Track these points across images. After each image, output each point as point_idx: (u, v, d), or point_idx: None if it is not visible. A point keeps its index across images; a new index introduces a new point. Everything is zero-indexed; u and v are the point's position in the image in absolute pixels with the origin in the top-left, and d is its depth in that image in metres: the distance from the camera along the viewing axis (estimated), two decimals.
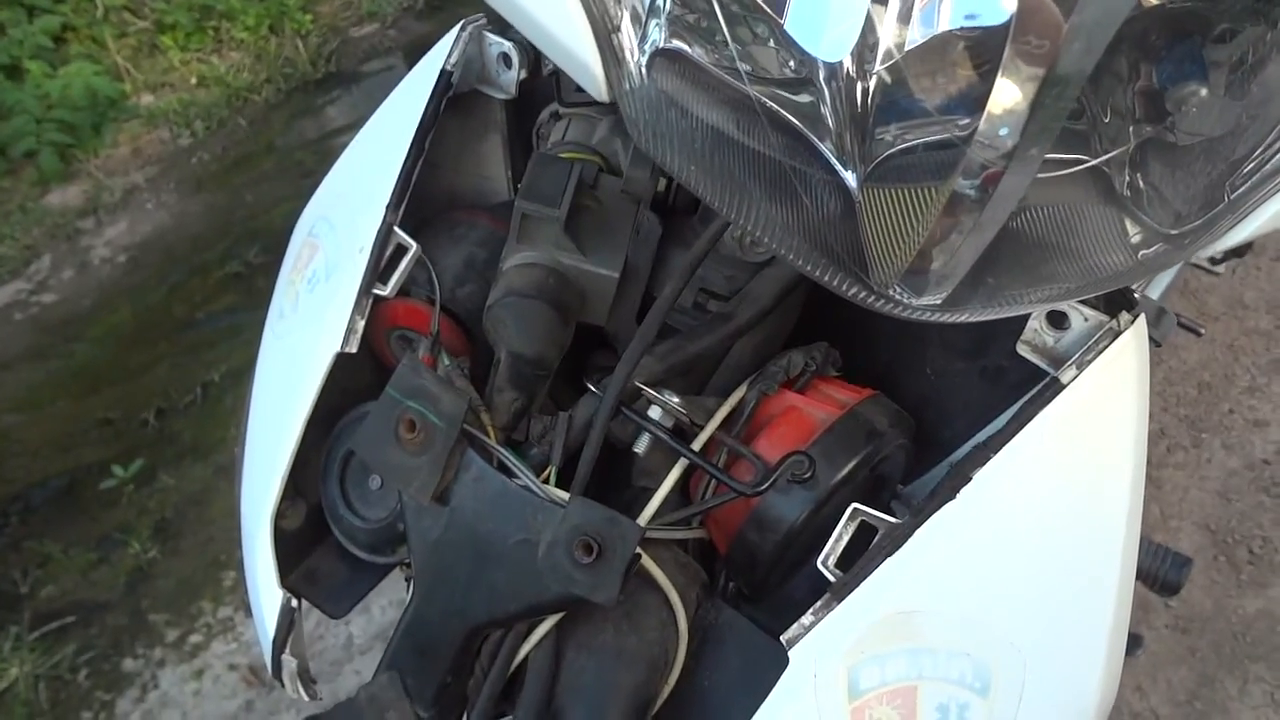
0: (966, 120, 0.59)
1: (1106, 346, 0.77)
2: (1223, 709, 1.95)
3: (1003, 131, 0.56)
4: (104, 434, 2.68)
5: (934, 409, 0.94)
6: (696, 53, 0.67)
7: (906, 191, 0.61)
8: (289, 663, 0.93)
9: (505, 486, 0.80)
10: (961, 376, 0.92)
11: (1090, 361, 0.77)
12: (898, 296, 0.62)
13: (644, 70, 0.66)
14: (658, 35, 0.68)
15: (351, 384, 1.00)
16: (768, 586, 0.88)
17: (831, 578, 0.76)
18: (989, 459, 0.76)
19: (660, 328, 0.83)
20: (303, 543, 1.02)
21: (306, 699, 0.95)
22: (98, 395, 2.77)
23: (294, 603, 0.94)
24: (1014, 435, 0.76)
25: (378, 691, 0.83)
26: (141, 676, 2.16)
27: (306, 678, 0.94)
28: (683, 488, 0.89)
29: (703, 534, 0.89)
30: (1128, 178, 0.65)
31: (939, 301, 0.63)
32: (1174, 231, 0.64)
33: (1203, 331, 1.80)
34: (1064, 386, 0.76)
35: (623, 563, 0.76)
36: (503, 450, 0.83)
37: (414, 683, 0.83)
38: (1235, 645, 2.01)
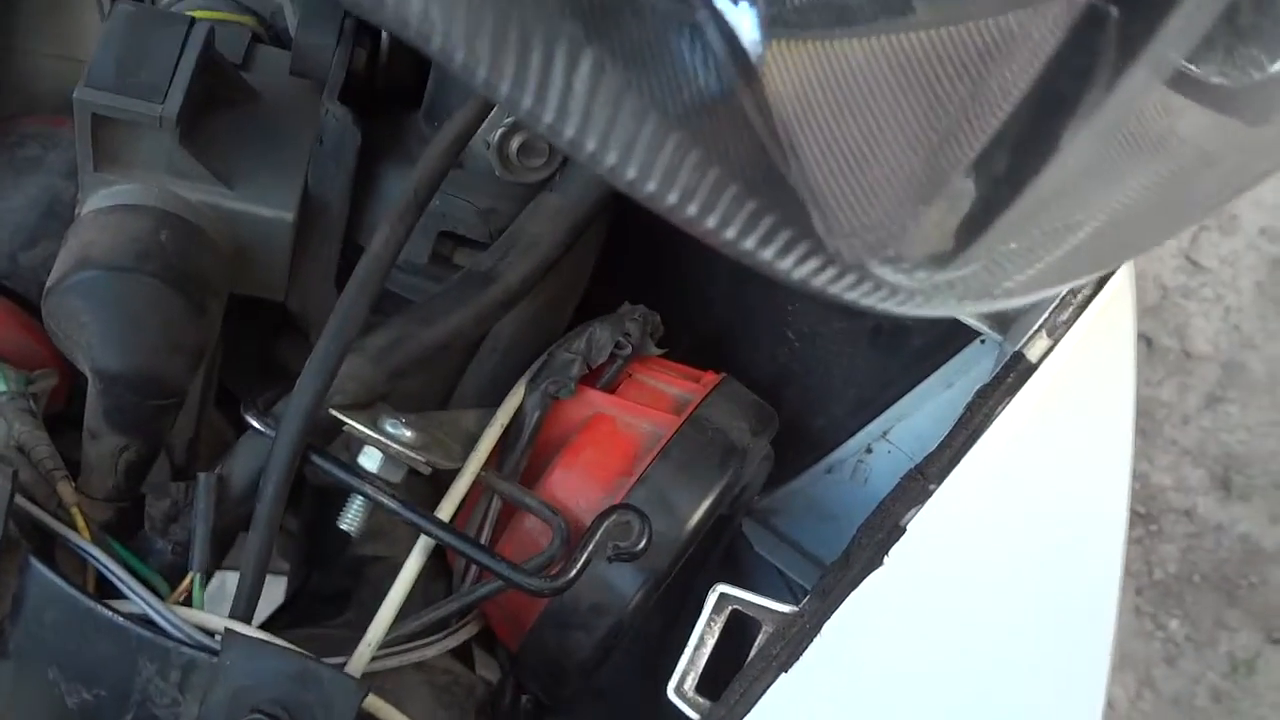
0: None
1: (1089, 298, 0.49)
2: None
3: None
4: None
5: (800, 387, 0.64)
6: None
7: (888, 45, 0.29)
8: None
9: (104, 621, 0.44)
10: (841, 340, 0.62)
11: (1068, 324, 0.49)
12: (886, 276, 0.29)
13: None
14: None
15: None
16: (583, 692, 0.56)
17: (693, 713, 0.46)
18: (928, 494, 0.47)
19: (377, 301, 0.48)
20: None
21: None
22: None
23: None
24: (964, 452, 0.47)
25: None
26: None
27: None
28: (438, 549, 0.56)
29: (474, 628, 0.56)
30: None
31: (976, 271, 0.30)
32: None
33: None
34: (1034, 367, 0.48)
35: None
36: (96, 551, 0.46)
37: None
38: None
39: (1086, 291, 0.49)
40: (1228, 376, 2.03)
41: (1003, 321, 0.53)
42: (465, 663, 0.58)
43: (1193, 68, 0.30)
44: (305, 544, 0.68)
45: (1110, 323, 0.50)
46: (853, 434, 0.62)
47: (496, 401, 0.56)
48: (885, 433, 0.61)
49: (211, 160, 0.51)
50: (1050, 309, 0.49)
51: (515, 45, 0.25)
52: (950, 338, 0.57)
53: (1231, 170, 0.33)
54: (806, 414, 0.64)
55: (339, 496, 0.57)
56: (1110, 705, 0.50)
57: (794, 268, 0.28)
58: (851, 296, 0.29)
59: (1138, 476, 2.02)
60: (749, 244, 0.28)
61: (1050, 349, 0.48)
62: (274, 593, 0.66)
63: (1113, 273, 0.50)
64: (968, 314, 0.33)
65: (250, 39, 0.59)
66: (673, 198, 0.27)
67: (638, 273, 0.66)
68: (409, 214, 0.48)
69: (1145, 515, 1.95)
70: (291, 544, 0.71)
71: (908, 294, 0.29)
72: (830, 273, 0.28)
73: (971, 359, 0.56)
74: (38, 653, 0.45)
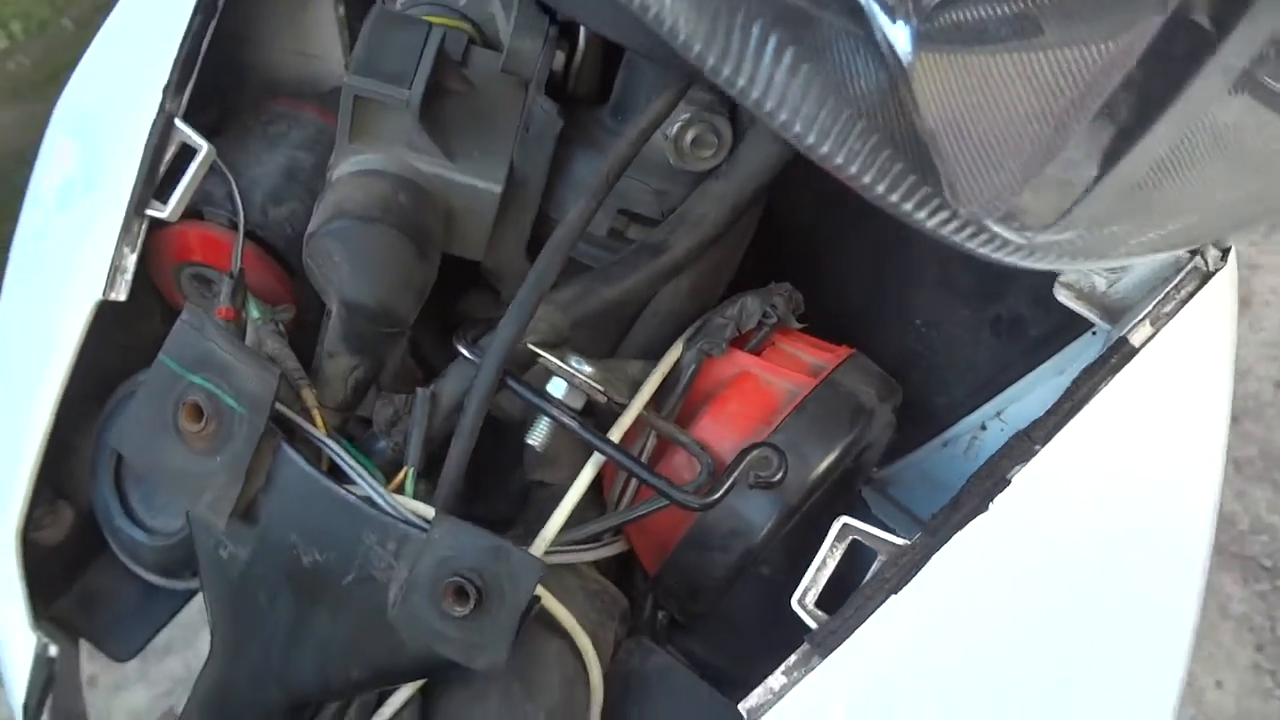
0: None
1: (1192, 294, 0.55)
2: None
3: None
4: None
5: (924, 369, 0.71)
6: None
7: (1009, 61, 0.37)
8: None
9: (337, 499, 0.55)
10: (964, 328, 0.69)
11: (1169, 315, 0.55)
12: (1000, 232, 0.37)
13: None
14: None
15: (132, 340, 0.73)
16: (713, 610, 0.65)
17: (812, 623, 0.54)
18: (1033, 453, 0.53)
19: (564, 264, 0.58)
20: (75, 557, 0.75)
21: None
22: None
23: (52, 650, 0.68)
24: (1067, 420, 0.54)
25: None
26: None
27: None
28: (595, 483, 0.65)
29: (621, 546, 0.65)
30: None
31: (1071, 237, 0.38)
32: None
33: None
34: (1135, 351, 0.54)
35: (514, 613, 0.52)
36: (334, 444, 0.57)
37: None
38: None
39: (1190, 288, 0.55)
40: None
41: (1113, 313, 0.59)
42: (615, 582, 0.67)
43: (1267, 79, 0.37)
44: (469, 479, 0.78)
45: (1211, 318, 0.56)
46: (970, 413, 0.69)
47: (657, 357, 0.65)
48: (999, 413, 0.67)
49: (439, 138, 0.62)
50: (1155, 301, 0.55)
51: (736, 43, 0.34)
52: (1065, 328, 0.63)
53: None
54: (929, 393, 0.71)
55: (504, 436, 0.67)
56: None
57: (928, 219, 0.36)
58: (972, 245, 0.37)
59: (1264, 529, 1.99)
60: (894, 198, 0.37)
61: (1152, 336, 0.54)
62: None
63: (1215, 272, 0.56)
64: (1064, 268, 0.40)
65: (468, 42, 0.70)
66: (839, 158, 0.36)
67: (787, 260, 0.74)
68: (601, 191, 0.57)
69: (1271, 569, 1.91)
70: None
71: (1015, 247, 0.37)
72: (956, 224, 0.36)
73: (1083, 348, 0.62)
74: (283, 520, 0.56)
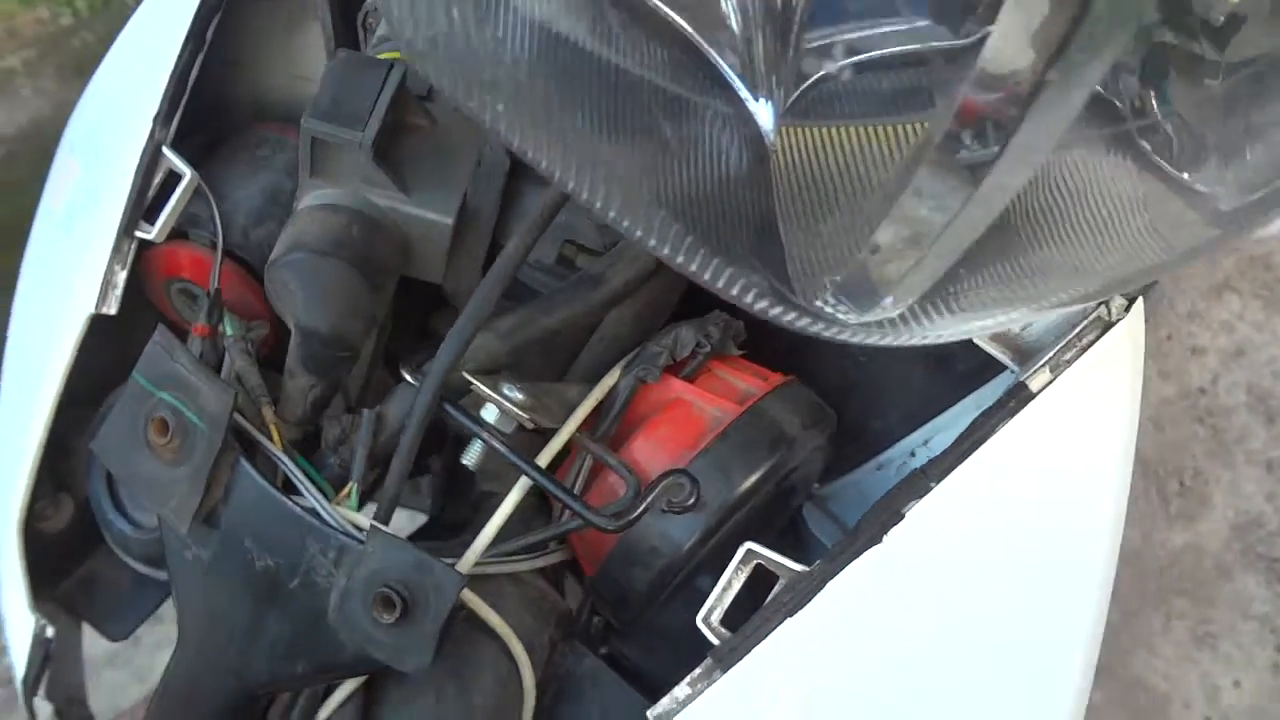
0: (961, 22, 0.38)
1: (1092, 342, 0.57)
2: (1147, 644, 1.86)
3: (1033, 36, 0.33)
4: None
5: (861, 396, 0.74)
6: None
7: (853, 136, 0.40)
8: (43, 709, 0.74)
9: (286, 510, 0.60)
10: (898, 359, 0.72)
11: (1069, 362, 0.57)
12: (831, 312, 0.41)
13: None
14: None
15: (128, 349, 0.78)
16: (640, 619, 0.69)
17: (715, 639, 0.58)
18: (928, 490, 0.56)
19: (510, 290, 0.62)
20: (76, 545, 0.81)
21: None
22: None
23: (49, 630, 0.74)
24: (962, 460, 0.56)
25: None
26: None
27: None
28: (541, 493, 0.69)
29: (562, 555, 0.70)
30: (1174, 135, 0.43)
31: (895, 316, 0.41)
32: (1229, 208, 0.43)
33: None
34: (1032, 396, 0.57)
35: (436, 623, 0.56)
36: (286, 459, 0.62)
37: None
38: (1161, 579, 1.90)
39: (1091, 336, 0.58)
40: None
41: (1025, 355, 0.62)
42: (557, 590, 0.71)
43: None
44: (443, 483, 0.83)
45: (1112, 365, 0.58)
46: (901, 439, 0.72)
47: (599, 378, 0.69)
48: (927, 441, 0.70)
49: (396, 173, 0.66)
50: (1057, 348, 0.58)
51: (561, 160, 0.38)
52: (987, 366, 0.66)
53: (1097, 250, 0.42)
54: (867, 417, 0.74)
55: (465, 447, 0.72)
56: None
57: (755, 305, 0.40)
58: (800, 326, 0.40)
59: None
60: (730, 290, 0.40)
61: (1050, 382, 0.57)
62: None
63: (1116, 322, 0.58)
64: (894, 344, 0.43)
65: None
66: (674, 259, 0.39)
67: None
68: (537, 226, 0.61)
69: None
70: (435, 482, 0.87)
71: (843, 326, 0.40)
72: (782, 310, 0.40)
73: (1000, 386, 0.65)
74: (239, 528, 0.61)
